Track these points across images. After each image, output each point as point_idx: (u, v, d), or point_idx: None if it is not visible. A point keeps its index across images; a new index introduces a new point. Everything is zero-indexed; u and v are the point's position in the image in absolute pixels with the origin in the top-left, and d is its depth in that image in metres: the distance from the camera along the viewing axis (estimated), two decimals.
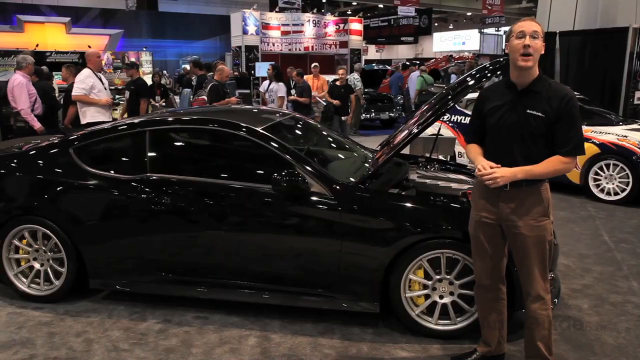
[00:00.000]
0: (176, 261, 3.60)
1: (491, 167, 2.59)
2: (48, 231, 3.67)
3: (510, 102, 2.64)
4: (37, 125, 6.78)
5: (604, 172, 6.60)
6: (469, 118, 2.95)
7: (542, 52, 2.57)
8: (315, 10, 23.86)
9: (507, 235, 2.73)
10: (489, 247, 2.79)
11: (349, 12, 32.29)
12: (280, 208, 3.40)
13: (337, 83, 10.79)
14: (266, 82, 12.49)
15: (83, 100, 6.46)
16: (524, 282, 2.74)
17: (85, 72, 6.52)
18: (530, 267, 2.68)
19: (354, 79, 12.83)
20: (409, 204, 3.33)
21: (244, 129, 3.58)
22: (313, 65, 12.11)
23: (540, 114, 2.55)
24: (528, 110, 2.58)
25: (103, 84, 6.58)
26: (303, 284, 3.44)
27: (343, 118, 10.60)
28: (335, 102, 10.45)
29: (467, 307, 3.25)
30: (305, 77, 11.55)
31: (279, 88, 8.95)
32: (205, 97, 8.25)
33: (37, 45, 17.98)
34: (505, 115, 2.63)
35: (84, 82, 6.44)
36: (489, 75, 3.27)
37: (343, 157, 4.25)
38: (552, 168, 2.57)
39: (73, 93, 6.52)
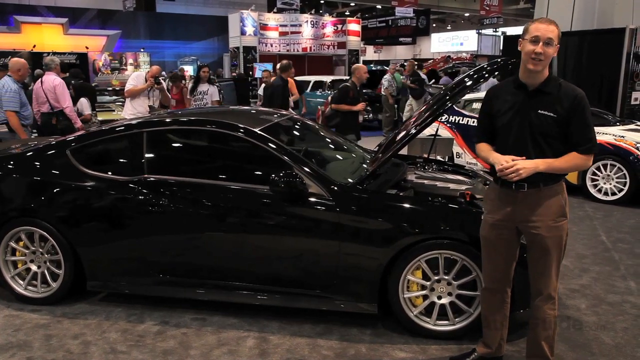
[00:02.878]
0: (174, 262, 3.59)
1: (512, 160, 2.53)
2: (45, 233, 3.66)
3: (521, 103, 2.61)
4: (78, 123, 6.94)
5: (602, 173, 6.61)
6: (477, 118, 2.92)
7: (555, 54, 2.55)
8: (313, 11, 23.87)
9: (525, 236, 2.70)
10: (502, 250, 2.76)
11: (347, 13, 32.34)
12: (278, 209, 3.39)
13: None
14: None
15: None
16: (537, 281, 2.71)
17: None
18: (547, 267, 2.66)
19: (385, 79, 12.91)
20: (407, 205, 3.33)
21: (241, 130, 3.58)
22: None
23: (552, 114, 2.53)
24: (540, 111, 2.55)
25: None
26: (301, 285, 3.43)
27: None
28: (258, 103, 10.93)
29: (466, 307, 3.25)
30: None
31: (214, 91, 8.43)
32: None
33: (34, 46, 17.90)
34: (516, 115, 2.60)
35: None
36: (486, 75, 3.26)
37: (341, 158, 4.25)
38: (572, 162, 2.56)
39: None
